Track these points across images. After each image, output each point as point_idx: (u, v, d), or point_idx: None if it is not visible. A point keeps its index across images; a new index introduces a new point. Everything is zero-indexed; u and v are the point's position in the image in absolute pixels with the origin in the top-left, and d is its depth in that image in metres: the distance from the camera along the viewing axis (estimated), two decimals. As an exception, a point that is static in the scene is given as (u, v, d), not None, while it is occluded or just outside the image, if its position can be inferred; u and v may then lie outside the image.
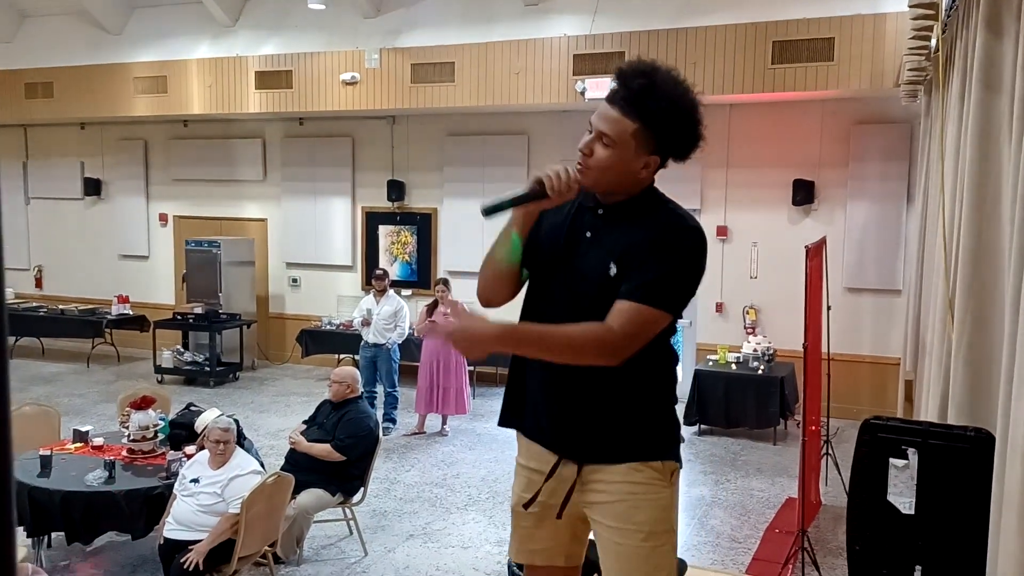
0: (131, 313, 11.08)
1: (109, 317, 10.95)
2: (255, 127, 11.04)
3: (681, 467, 2.16)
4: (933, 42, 4.87)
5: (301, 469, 4.97)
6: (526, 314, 2.17)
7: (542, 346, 2.00)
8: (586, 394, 2.05)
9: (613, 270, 2.00)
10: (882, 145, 8.31)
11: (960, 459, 2.51)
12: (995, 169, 2.97)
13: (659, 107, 1.94)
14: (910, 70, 5.77)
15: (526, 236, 2.13)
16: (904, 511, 2.58)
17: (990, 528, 2.36)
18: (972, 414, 2.90)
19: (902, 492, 2.61)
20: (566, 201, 2.06)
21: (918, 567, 2.54)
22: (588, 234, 2.09)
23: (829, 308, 6.39)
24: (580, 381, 2.03)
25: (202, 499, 4.33)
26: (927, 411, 4.03)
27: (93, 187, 11.97)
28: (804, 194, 8.51)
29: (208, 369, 9.88)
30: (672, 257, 1.97)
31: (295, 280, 11.11)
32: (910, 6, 4.52)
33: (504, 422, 2.32)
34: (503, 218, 2.19)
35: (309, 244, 10.87)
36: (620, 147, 1.97)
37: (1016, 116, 2.66)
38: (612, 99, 2.00)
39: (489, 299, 2.26)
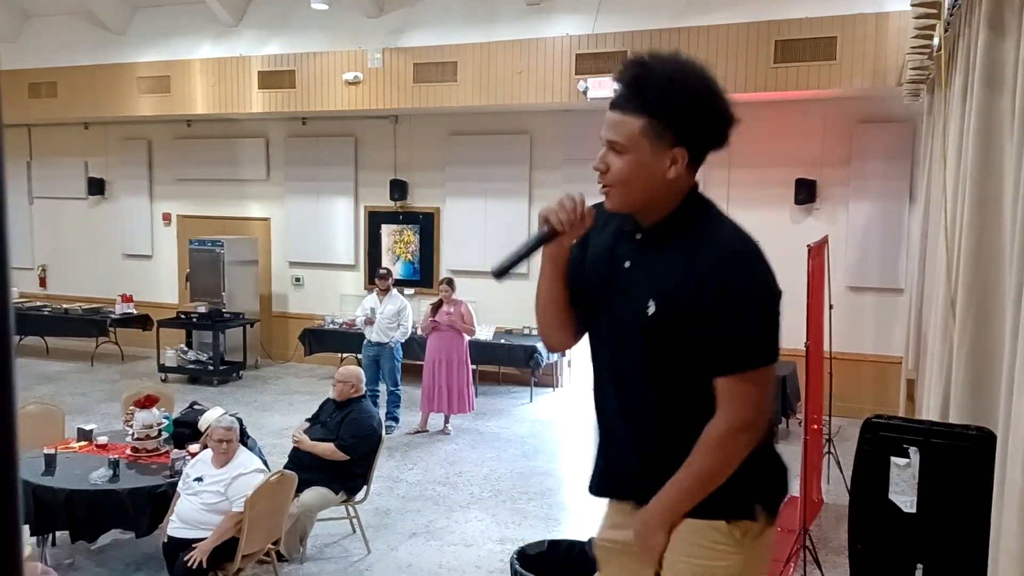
0: (135, 312, 11.10)
1: (113, 316, 10.97)
2: (258, 127, 11.05)
3: (768, 523, 1.88)
4: (935, 41, 4.87)
5: (304, 467, 4.97)
6: (591, 356, 1.97)
7: (697, 492, 1.80)
8: (643, 439, 1.89)
9: (651, 308, 1.77)
10: (884, 144, 8.30)
11: (962, 458, 2.51)
12: (997, 168, 2.97)
13: (660, 90, 1.72)
14: (912, 69, 5.76)
15: (563, 271, 1.89)
16: (906, 510, 2.58)
17: (991, 527, 2.36)
18: (974, 413, 2.90)
19: (904, 491, 2.61)
20: (588, 228, 1.83)
21: (920, 565, 2.54)
22: (627, 264, 1.85)
23: (831, 307, 6.38)
24: (640, 429, 1.88)
25: (206, 497, 4.34)
26: (929, 410, 4.03)
27: (97, 187, 11.99)
28: (806, 193, 8.50)
29: (211, 368, 9.89)
30: (743, 302, 1.71)
31: (298, 279, 11.12)
32: (912, 5, 4.52)
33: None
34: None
35: (312, 243, 10.88)
36: (634, 150, 1.75)
37: (1018, 115, 2.65)
38: (614, 103, 1.81)
39: (552, 345, 2.09)
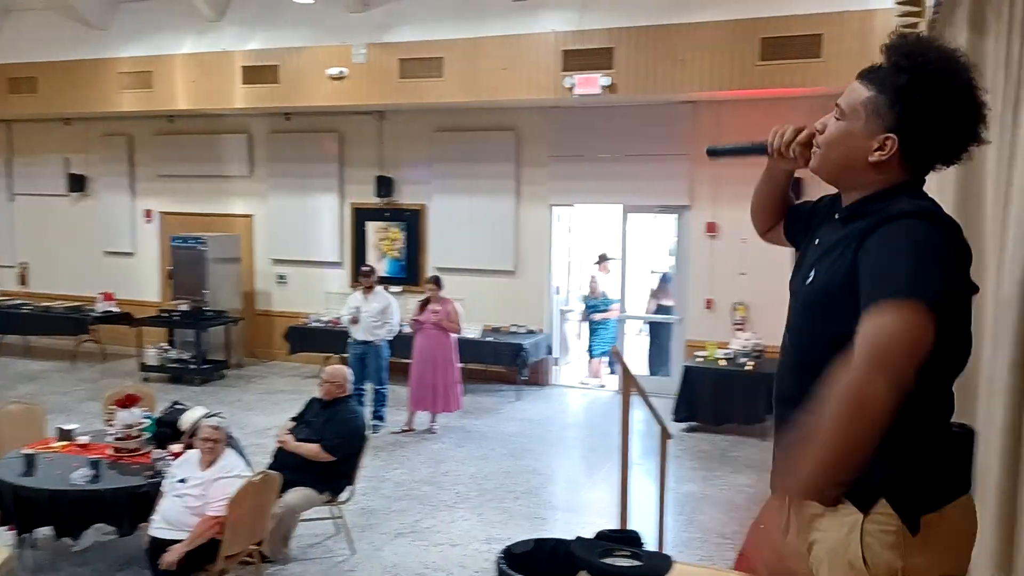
0: (116, 310, 11.04)
1: (94, 314, 10.90)
2: (241, 122, 11.00)
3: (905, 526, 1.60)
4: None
5: (289, 467, 4.97)
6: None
7: (837, 450, 1.50)
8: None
9: (811, 277, 1.71)
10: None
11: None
12: (979, 167, 3.01)
13: (899, 69, 1.60)
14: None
15: (776, 183, 2.07)
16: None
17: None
18: (957, 410, 2.94)
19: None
20: (790, 168, 1.94)
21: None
22: (817, 241, 1.81)
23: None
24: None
25: (188, 500, 4.32)
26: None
27: (78, 183, 11.91)
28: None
29: (194, 367, 9.85)
30: (892, 241, 1.54)
31: (282, 277, 11.08)
32: (896, 3, 4.56)
33: None
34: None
35: (296, 240, 10.85)
36: (850, 118, 1.68)
37: (999, 113, 2.69)
38: (860, 73, 1.73)
39: (754, 222, 2.24)
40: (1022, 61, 2.32)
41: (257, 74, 9.73)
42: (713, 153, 2.05)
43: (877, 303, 1.48)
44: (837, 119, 1.72)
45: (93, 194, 12.01)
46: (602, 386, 9.92)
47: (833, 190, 1.85)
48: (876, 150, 1.64)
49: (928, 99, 1.58)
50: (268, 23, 9.89)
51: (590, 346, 10.25)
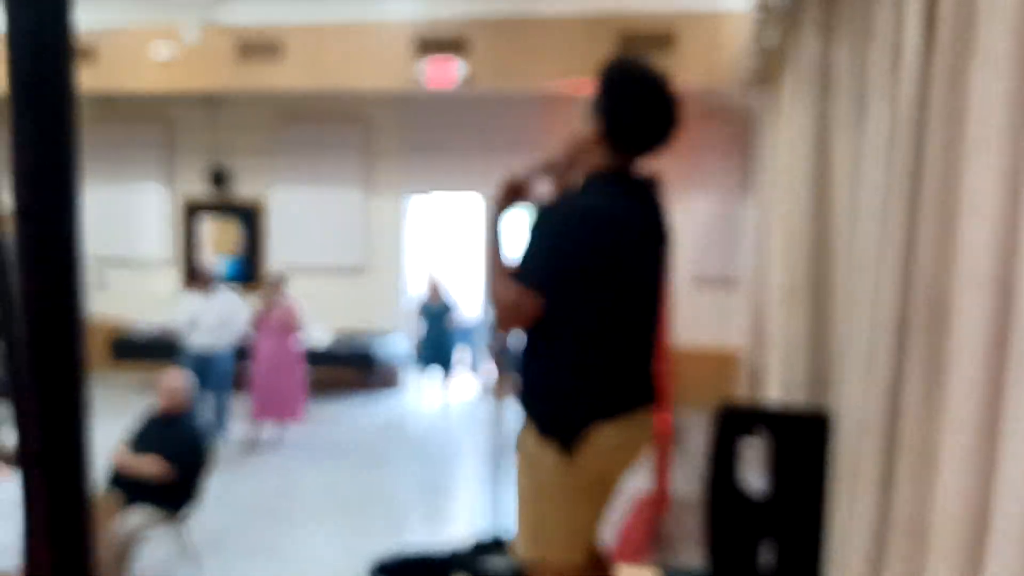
0: None
1: None
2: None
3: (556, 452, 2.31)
4: (771, 40, 5.35)
5: (126, 488, 4.78)
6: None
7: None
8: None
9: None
10: (721, 138, 8.96)
11: (803, 438, 2.84)
12: (830, 165, 3.35)
13: (599, 73, 2.42)
14: (748, 67, 6.28)
15: None
16: (755, 490, 2.88)
17: (830, 500, 2.70)
18: (812, 397, 3.27)
19: (753, 472, 2.92)
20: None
21: (770, 540, 2.85)
22: None
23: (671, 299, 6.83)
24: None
25: None
26: (772, 395, 4.45)
27: None
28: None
29: None
30: (532, 235, 2.35)
31: (101, 278, 10.50)
32: (750, 7, 4.95)
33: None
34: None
35: (118, 237, 10.30)
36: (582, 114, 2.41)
37: (846, 117, 3.03)
38: None
39: None
40: (867, 65, 2.63)
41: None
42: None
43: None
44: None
45: None
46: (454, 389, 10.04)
47: None
48: (591, 131, 2.39)
49: (614, 95, 2.39)
50: (83, -4, 9.35)
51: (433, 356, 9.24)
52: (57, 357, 0.51)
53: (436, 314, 9.07)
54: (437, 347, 9.08)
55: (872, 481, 2.12)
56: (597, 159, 2.37)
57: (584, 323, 2.29)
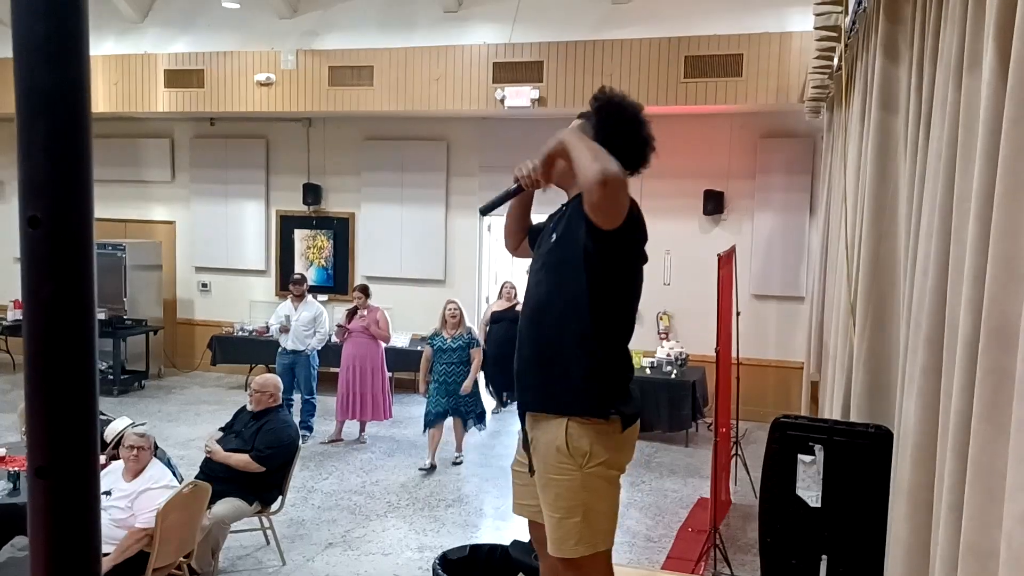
0: (28, 319, 10.57)
1: (5, 323, 10.43)
2: (163, 127, 10.74)
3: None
4: (835, 62, 5.17)
5: (217, 478, 4.87)
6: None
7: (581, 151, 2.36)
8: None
9: (554, 236, 2.56)
10: (787, 158, 8.71)
11: (861, 454, 2.70)
12: (893, 184, 3.20)
13: (598, 102, 2.54)
14: (813, 87, 6.09)
15: (526, 206, 2.81)
16: (811, 504, 2.75)
17: (888, 518, 2.55)
18: (872, 412, 3.11)
19: (809, 486, 2.79)
20: (536, 189, 2.61)
21: (824, 556, 2.71)
22: (552, 224, 2.65)
23: (738, 314, 6.66)
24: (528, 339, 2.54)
25: (113, 512, 4.21)
26: (831, 410, 4.27)
27: (-14, 186, 11.40)
28: (714, 204, 8.84)
29: (112, 377, 9.53)
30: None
31: (205, 285, 10.83)
32: (815, 27, 4.79)
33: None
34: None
35: (220, 248, 10.62)
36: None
37: (910, 136, 2.88)
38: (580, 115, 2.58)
39: (507, 245, 2.96)
40: (933, 86, 2.49)
41: (181, 78, 9.52)
42: (484, 211, 2.70)
43: None
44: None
45: (5, 199, 11.51)
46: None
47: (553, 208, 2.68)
48: None
49: (615, 124, 2.49)
50: (192, 26, 9.70)
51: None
52: (69, 365, 0.48)
53: (510, 319, 8.63)
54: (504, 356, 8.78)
55: (940, 502, 1.99)
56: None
57: (632, 313, 2.57)
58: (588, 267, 2.39)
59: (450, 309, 7.30)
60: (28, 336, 0.49)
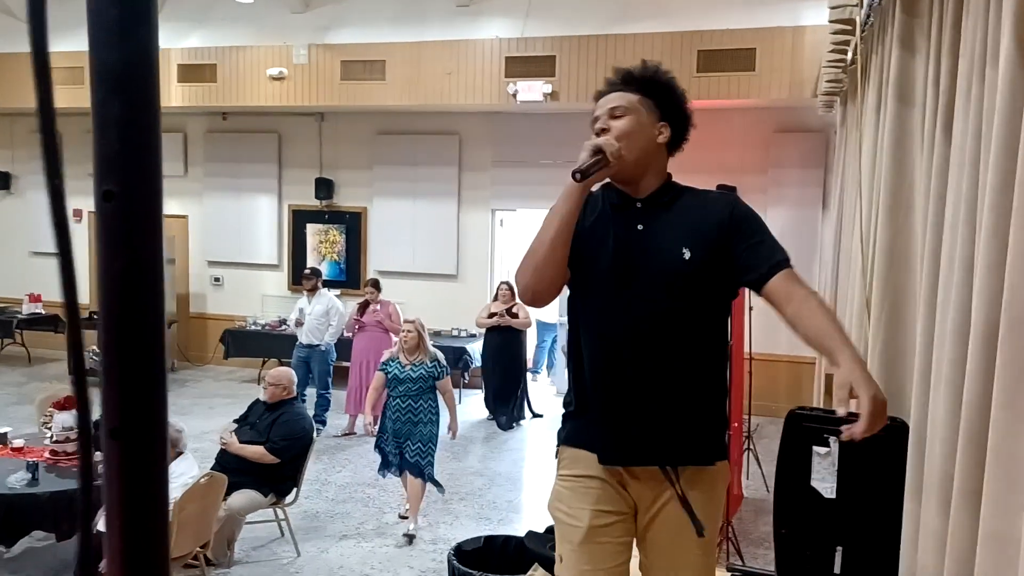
0: (44, 313, 10.68)
1: (20, 317, 10.53)
2: (176, 121, 10.79)
3: None
4: (849, 55, 5.16)
5: (232, 470, 4.92)
6: (593, 329, 2.16)
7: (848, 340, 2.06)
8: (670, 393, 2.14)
9: (687, 254, 2.08)
10: (800, 153, 8.70)
11: (876, 446, 2.71)
12: (909, 178, 3.20)
13: (646, 78, 2.20)
14: (827, 81, 6.08)
15: (576, 214, 2.08)
16: (826, 496, 2.76)
17: (904, 509, 2.56)
18: (888, 405, 3.12)
19: (824, 478, 2.80)
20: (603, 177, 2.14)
21: (839, 548, 2.72)
22: (640, 227, 2.15)
23: (751, 309, 6.66)
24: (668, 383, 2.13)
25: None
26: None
27: (2, 181, 11.50)
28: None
29: (126, 370, 9.59)
30: (756, 222, 2.21)
31: (217, 279, 10.90)
32: (830, 20, 4.78)
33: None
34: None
35: (233, 242, 10.69)
36: (634, 112, 2.15)
37: (927, 129, 2.88)
38: (607, 89, 2.21)
39: (544, 287, 2.08)
40: (952, 79, 2.50)
41: (194, 72, 9.57)
42: (584, 175, 2.04)
43: (784, 264, 2.15)
44: (620, 117, 2.14)
45: (18, 192, 11.61)
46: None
47: None
48: (659, 134, 2.18)
49: (670, 89, 2.23)
50: (205, 21, 9.74)
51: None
52: (141, 333, 0.52)
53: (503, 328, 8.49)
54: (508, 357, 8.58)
55: (959, 492, 2.01)
56: (663, 163, 2.24)
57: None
58: (730, 283, 2.19)
59: (406, 330, 5.69)
60: (103, 305, 0.53)
